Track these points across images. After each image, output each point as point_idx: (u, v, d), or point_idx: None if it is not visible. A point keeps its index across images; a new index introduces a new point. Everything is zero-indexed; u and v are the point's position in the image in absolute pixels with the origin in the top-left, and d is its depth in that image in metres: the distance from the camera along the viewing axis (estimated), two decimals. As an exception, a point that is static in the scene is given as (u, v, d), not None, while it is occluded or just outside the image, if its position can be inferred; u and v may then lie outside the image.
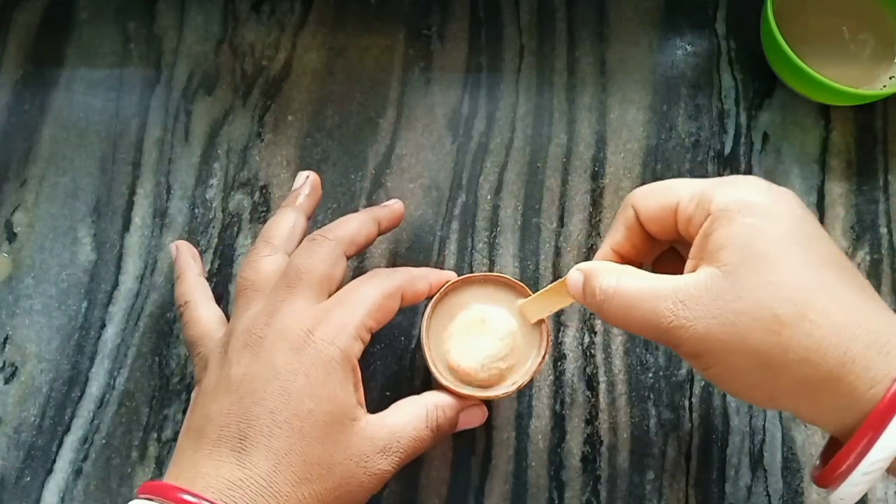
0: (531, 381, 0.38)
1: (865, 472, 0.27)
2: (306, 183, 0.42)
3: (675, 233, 0.33)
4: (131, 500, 0.32)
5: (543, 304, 0.37)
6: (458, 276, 0.39)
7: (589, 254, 0.46)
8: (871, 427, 0.27)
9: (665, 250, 0.37)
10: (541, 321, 0.37)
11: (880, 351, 0.27)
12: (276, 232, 0.39)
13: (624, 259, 0.35)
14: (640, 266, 0.35)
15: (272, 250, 0.38)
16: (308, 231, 0.40)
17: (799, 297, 0.28)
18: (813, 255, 0.29)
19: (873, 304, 0.29)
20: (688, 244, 0.32)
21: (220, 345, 0.36)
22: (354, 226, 0.39)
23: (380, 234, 0.41)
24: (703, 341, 0.29)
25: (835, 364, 0.28)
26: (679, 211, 0.32)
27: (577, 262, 0.44)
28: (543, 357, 0.37)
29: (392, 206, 0.42)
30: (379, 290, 0.36)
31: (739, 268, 0.29)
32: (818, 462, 0.31)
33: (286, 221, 0.40)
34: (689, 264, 0.31)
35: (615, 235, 0.35)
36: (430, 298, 0.39)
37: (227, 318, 0.39)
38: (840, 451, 0.28)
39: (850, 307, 0.28)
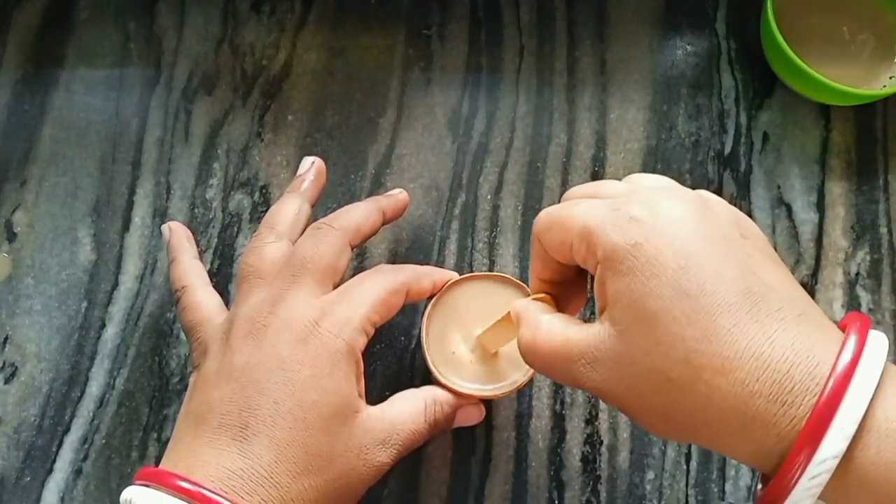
0: (531, 381, 0.38)
1: (812, 476, 0.25)
2: (311, 169, 0.42)
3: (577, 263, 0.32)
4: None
5: (500, 334, 0.37)
6: (459, 275, 0.39)
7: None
8: (806, 440, 0.25)
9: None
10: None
11: (784, 402, 0.25)
12: (281, 218, 0.39)
13: (554, 283, 0.34)
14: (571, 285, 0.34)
15: (276, 237, 0.38)
16: (312, 218, 0.40)
17: (690, 357, 0.26)
18: (706, 294, 0.26)
19: (786, 324, 0.26)
20: None
21: (222, 331, 0.36)
22: (360, 215, 0.39)
23: (384, 223, 0.40)
24: (612, 399, 0.29)
25: (738, 425, 0.26)
26: (574, 251, 0.30)
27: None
28: None
29: (396, 196, 0.42)
30: (384, 285, 0.36)
31: (629, 330, 0.27)
32: (759, 486, 0.30)
33: (290, 208, 0.40)
34: (597, 304, 0.30)
35: (536, 266, 0.33)
36: (431, 297, 0.39)
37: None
38: (783, 463, 0.26)
39: (749, 351, 0.26)
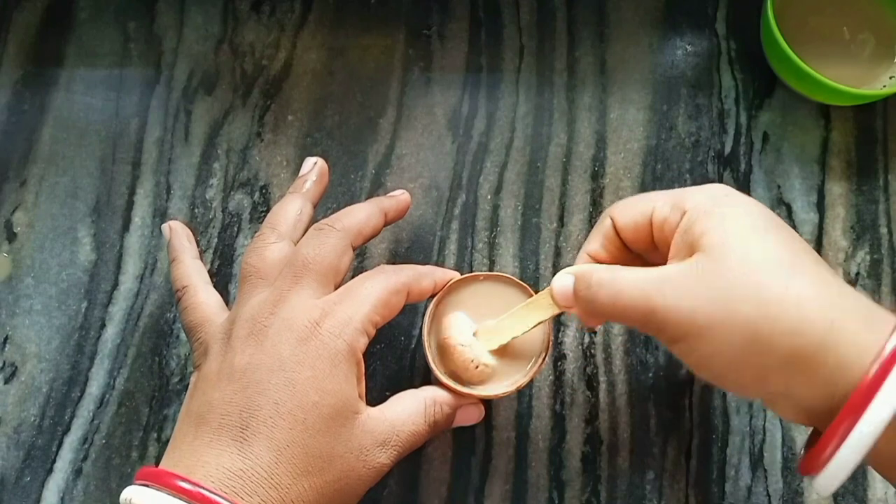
0: (531, 381, 0.38)
1: (857, 441, 0.27)
2: (314, 169, 0.42)
3: (650, 240, 0.35)
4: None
5: (521, 321, 0.37)
6: (461, 275, 0.39)
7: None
8: (861, 395, 0.27)
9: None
10: (542, 322, 0.37)
11: (865, 322, 0.28)
12: (283, 219, 0.39)
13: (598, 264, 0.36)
14: None
15: (278, 237, 0.38)
16: (314, 219, 0.40)
17: (782, 273, 0.29)
18: (787, 240, 0.31)
19: (847, 286, 0.30)
20: (659, 253, 0.34)
21: (223, 331, 0.36)
22: (362, 216, 0.39)
23: (386, 224, 0.40)
24: (688, 319, 0.30)
25: (823, 333, 0.28)
26: (654, 215, 0.34)
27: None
28: (544, 358, 0.37)
29: (398, 197, 0.42)
30: (385, 285, 0.36)
31: (722, 249, 0.30)
32: (802, 452, 0.32)
33: (292, 208, 0.40)
34: (668, 265, 0.32)
35: (592, 244, 0.36)
36: (432, 296, 0.39)
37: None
38: (832, 422, 0.28)
39: (831, 284, 0.30)
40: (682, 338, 0.30)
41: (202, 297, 0.38)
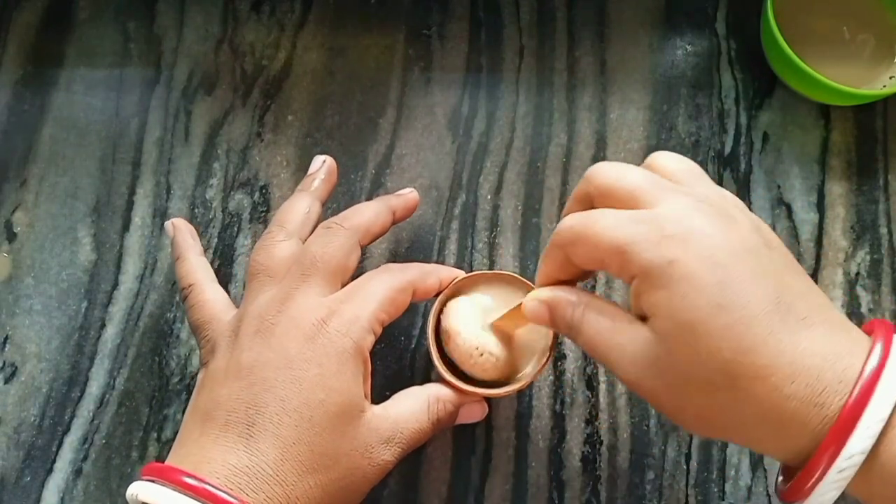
0: (533, 381, 0.38)
1: (840, 470, 0.27)
2: (322, 168, 0.42)
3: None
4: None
5: (510, 324, 0.37)
6: (466, 273, 0.39)
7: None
8: (844, 419, 0.27)
9: None
10: (545, 330, 0.37)
11: (816, 404, 0.28)
12: (291, 217, 0.39)
13: (562, 282, 0.35)
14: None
15: (286, 235, 0.38)
16: (322, 217, 0.40)
17: (728, 366, 0.28)
18: (741, 307, 0.28)
19: (814, 330, 0.28)
20: None
21: (230, 328, 0.36)
22: (370, 215, 0.39)
23: (394, 223, 0.40)
24: (650, 397, 0.31)
25: (774, 426, 0.28)
26: (605, 266, 0.31)
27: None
28: (548, 358, 0.37)
29: (407, 196, 0.42)
30: (391, 283, 0.36)
31: (669, 338, 0.29)
32: (780, 478, 0.31)
33: (301, 206, 0.40)
34: (632, 310, 0.31)
35: (550, 269, 0.34)
36: (437, 295, 0.39)
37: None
38: (811, 458, 0.28)
39: (783, 358, 0.28)
40: (653, 404, 0.32)
41: (209, 294, 0.38)
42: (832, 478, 0.27)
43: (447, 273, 0.39)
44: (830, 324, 0.29)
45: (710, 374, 0.28)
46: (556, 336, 0.38)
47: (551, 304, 0.34)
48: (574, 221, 0.32)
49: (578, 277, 0.35)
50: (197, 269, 0.39)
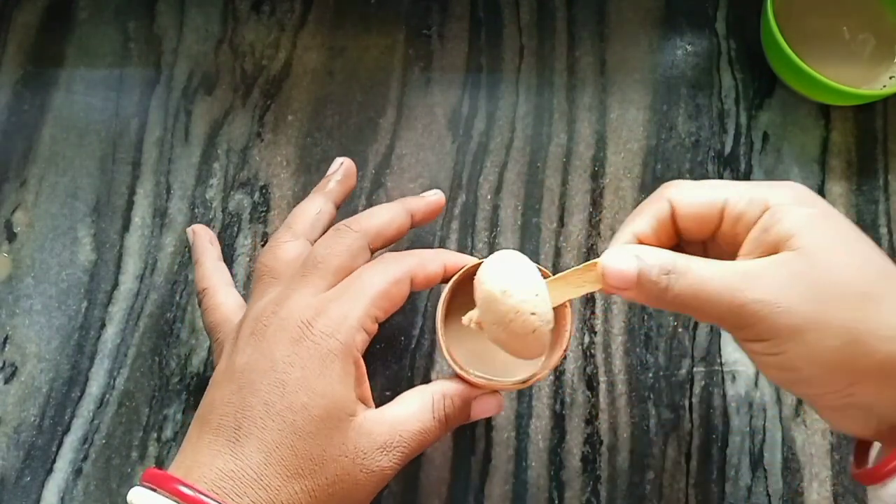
0: (547, 374, 0.35)
1: None
2: (339, 169, 0.41)
3: (710, 231, 0.32)
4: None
5: (564, 289, 0.33)
6: (479, 259, 0.35)
7: (589, 254, 0.46)
8: None
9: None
10: (563, 315, 0.35)
11: None
12: (300, 218, 0.39)
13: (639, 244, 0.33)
14: None
15: (292, 236, 0.38)
16: (335, 219, 0.39)
17: (882, 281, 0.29)
18: (877, 250, 0.30)
19: None
20: (714, 246, 0.33)
21: (235, 331, 0.36)
22: (385, 217, 0.38)
23: (413, 226, 0.39)
24: (784, 318, 0.28)
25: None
26: (728, 208, 0.31)
27: (576, 263, 0.44)
28: (565, 351, 0.35)
29: (429, 199, 0.40)
30: (384, 276, 0.35)
31: (816, 250, 0.29)
32: (853, 460, 0.31)
33: (312, 207, 0.39)
34: (746, 260, 0.31)
35: (640, 224, 0.32)
36: (445, 282, 0.36)
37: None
38: None
39: None
40: (772, 337, 0.29)
41: (221, 297, 0.38)
42: None
43: (454, 258, 0.37)
44: None
45: (864, 282, 0.29)
46: (572, 328, 0.35)
47: (650, 258, 0.30)
48: (686, 182, 0.33)
49: (658, 241, 0.33)
50: (213, 273, 0.40)
